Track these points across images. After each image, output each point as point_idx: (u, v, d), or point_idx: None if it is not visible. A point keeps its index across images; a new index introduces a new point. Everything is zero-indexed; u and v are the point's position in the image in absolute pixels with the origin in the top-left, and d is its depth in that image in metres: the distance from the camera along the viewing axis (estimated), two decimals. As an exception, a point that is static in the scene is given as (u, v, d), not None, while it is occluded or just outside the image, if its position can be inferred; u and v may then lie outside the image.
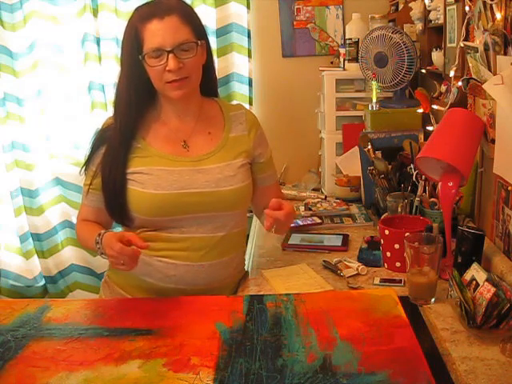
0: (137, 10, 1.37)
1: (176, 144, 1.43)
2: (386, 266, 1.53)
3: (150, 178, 1.37)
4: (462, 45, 1.58)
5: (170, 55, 1.30)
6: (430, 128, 1.90)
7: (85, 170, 1.45)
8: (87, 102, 3.02)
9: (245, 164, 1.46)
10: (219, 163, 1.42)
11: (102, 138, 1.43)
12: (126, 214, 1.40)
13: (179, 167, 1.39)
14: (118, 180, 1.38)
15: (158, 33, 1.30)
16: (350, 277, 1.48)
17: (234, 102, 2.75)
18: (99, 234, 1.32)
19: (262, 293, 1.39)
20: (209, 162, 1.41)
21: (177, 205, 1.37)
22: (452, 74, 1.68)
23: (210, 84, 1.49)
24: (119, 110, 1.41)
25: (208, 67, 1.45)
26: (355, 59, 2.40)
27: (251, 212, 2.04)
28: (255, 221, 2.04)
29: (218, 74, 2.93)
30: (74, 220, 3.14)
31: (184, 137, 1.44)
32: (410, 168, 1.79)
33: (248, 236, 1.93)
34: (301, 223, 1.89)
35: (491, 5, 1.37)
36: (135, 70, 1.36)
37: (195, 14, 1.41)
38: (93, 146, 1.44)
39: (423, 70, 2.22)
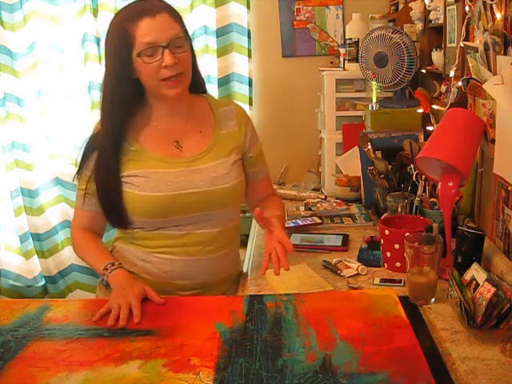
0: (122, 10, 1.36)
1: (169, 145, 1.43)
2: (386, 266, 1.53)
3: (145, 181, 1.38)
4: (462, 45, 1.58)
5: (166, 51, 1.30)
6: (430, 128, 1.90)
7: (78, 175, 1.46)
8: (87, 102, 3.03)
9: (237, 160, 1.47)
10: (213, 162, 1.42)
11: (93, 143, 1.42)
12: (124, 217, 1.41)
13: (174, 169, 1.40)
14: (112, 183, 1.39)
15: (151, 29, 1.30)
16: (350, 277, 1.48)
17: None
18: (112, 264, 1.36)
19: (261, 293, 1.39)
20: (203, 161, 1.42)
21: (174, 205, 1.38)
22: (452, 74, 1.68)
23: (197, 80, 1.48)
24: (105, 114, 1.39)
25: (194, 66, 1.44)
26: (355, 59, 2.40)
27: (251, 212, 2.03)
28: (255, 221, 2.04)
29: (218, 74, 2.95)
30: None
31: (176, 137, 1.44)
32: (410, 168, 1.79)
33: (248, 236, 1.93)
34: (301, 223, 1.89)
35: (491, 5, 1.37)
36: (122, 72, 1.34)
37: (179, 14, 1.41)
38: (85, 151, 1.43)
39: (423, 70, 2.22)
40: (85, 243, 1.47)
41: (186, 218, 1.40)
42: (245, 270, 1.61)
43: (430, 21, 2.09)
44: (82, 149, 1.44)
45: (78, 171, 1.45)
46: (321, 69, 2.59)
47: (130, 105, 1.39)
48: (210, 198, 1.40)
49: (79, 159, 1.44)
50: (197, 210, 1.40)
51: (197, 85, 1.48)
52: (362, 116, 2.30)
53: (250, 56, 2.95)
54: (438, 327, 1.18)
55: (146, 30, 1.30)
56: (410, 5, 2.26)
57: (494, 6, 1.36)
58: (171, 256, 1.41)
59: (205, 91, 1.53)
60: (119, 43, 1.33)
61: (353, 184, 2.22)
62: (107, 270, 1.35)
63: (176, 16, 1.36)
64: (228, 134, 1.48)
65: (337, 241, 1.73)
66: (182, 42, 1.33)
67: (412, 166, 1.76)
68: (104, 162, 1.39)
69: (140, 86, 1.38)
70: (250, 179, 1.54)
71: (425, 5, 2.10)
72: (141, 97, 1.42)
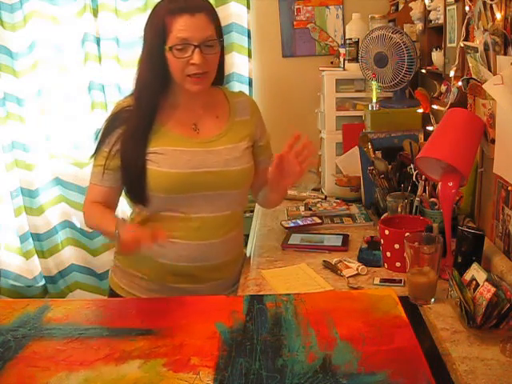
0: (164, 2, 1.41)
1: (187, 126, 1.50)
2: (386, 266, 1.53)
3: (164, 158, 1.44)
4: (462, 45, 1.58)
5: (196, 50, 1.38)
6: (430, 128, 1.90)
7: (96, 151, 1.49)
8: (87, 101, 3.03)
9: (249, 147, 1.56)
10: (227, 145, 1.50)
11: (117, 120, 1.47)
12: (144, 192, 1.45)
13: (191, 148, 1.47)
14: (140, 160, 1.44)
15: (188, 27, 1.37)
16: (350, 277, 1.47)
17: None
18: (123, 219, 1.38)
19: (261, 293, 1.39)
20: (217, 143, 1.50)
21: (190, 183, 1.44)
22: (452, 74, 1.68)
23: (221, 75, 1.58)
24: (141, 92, 1.46)
25: (220, 61, 1.53)
26: (355, 59, 2.40)
27: (251, 212, 2.03)
28: (255, 221, 2.04)
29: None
30: (74, 220, 3.14)
31: (194, 120, 1.51)
32: (410, 168, 1.79)
33: (248, 236, 1.93)
34: (301, 223, 1.89)
35: (491, 5, 1.37)
36: (157, 58, 1.41)
37: (217, 14, 1.48)
38: (106, 128, 1.47)
39: (423, 70, 2.22)
40: (98, 211, 1.49)
41: (199, 196, 1.46)
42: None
43: (430, 21, 2.09)
44: (104, 125, 1.48)
45: (97, 148, 1.49)
46: (321, 69, 2.59)
47: (161, 86, 1.46)
48: (222, 178, 1.47)
49: (100, 135, 1.48)
50: (209, 189, 1.47)
51: (218, 79, 1.57)
52: (362, 116, 2.30)
53: (250, 56, 2.95)
54: (437, 327, 1.18)
55: (183, 27, 1.37)
56: (410, 5, 2.26)
57: (494, 5, 1.36)
58: (187, 241, 1.47)
59: (222, 83, 1.63)
60: (156, 32, 1.40)
61: (353, 184, 2.22)
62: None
63: (213, 17, 1.43)
64: (242, 121, 1.57)
65: (337, 241, 1.73)
66: (213, 43, 1.42)
67: (412, 165, 1.76)
68: (132, 137, 1.44)
69: (169, 71, 1.44)
70: (259, 167, 1.60)
71: (425, 5, 2.10)
72: (169, 80, 1.46)
